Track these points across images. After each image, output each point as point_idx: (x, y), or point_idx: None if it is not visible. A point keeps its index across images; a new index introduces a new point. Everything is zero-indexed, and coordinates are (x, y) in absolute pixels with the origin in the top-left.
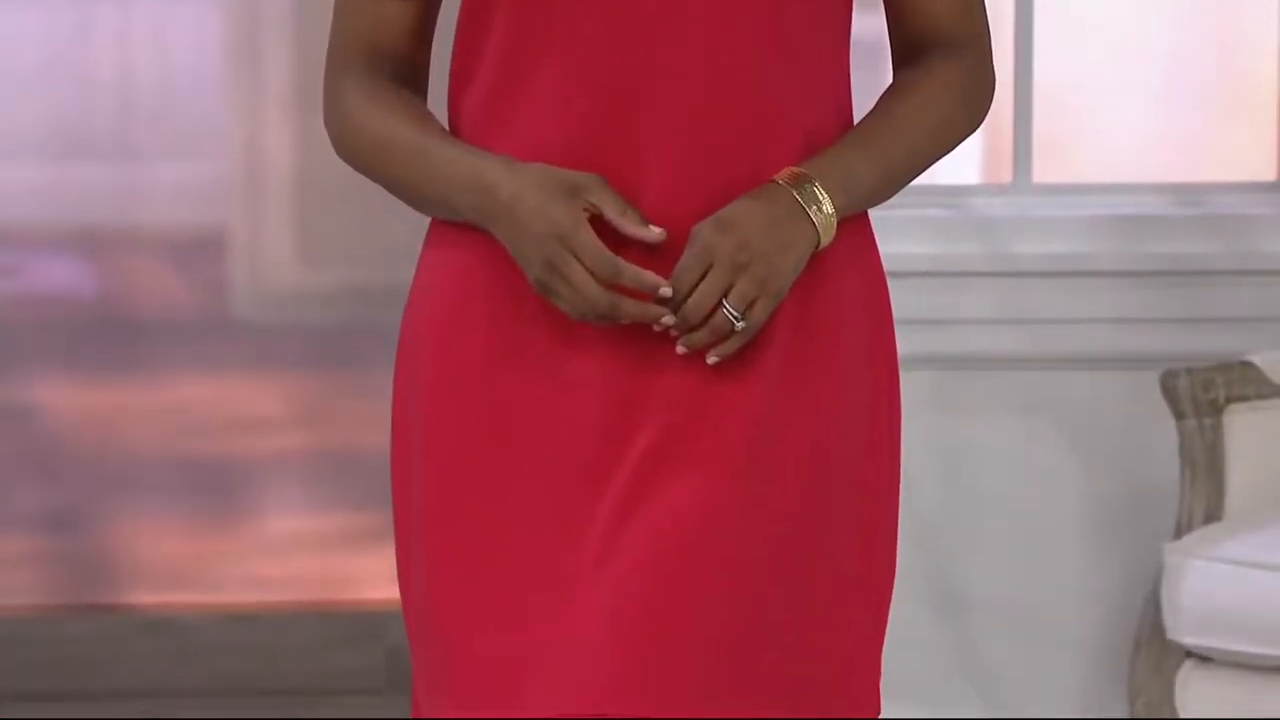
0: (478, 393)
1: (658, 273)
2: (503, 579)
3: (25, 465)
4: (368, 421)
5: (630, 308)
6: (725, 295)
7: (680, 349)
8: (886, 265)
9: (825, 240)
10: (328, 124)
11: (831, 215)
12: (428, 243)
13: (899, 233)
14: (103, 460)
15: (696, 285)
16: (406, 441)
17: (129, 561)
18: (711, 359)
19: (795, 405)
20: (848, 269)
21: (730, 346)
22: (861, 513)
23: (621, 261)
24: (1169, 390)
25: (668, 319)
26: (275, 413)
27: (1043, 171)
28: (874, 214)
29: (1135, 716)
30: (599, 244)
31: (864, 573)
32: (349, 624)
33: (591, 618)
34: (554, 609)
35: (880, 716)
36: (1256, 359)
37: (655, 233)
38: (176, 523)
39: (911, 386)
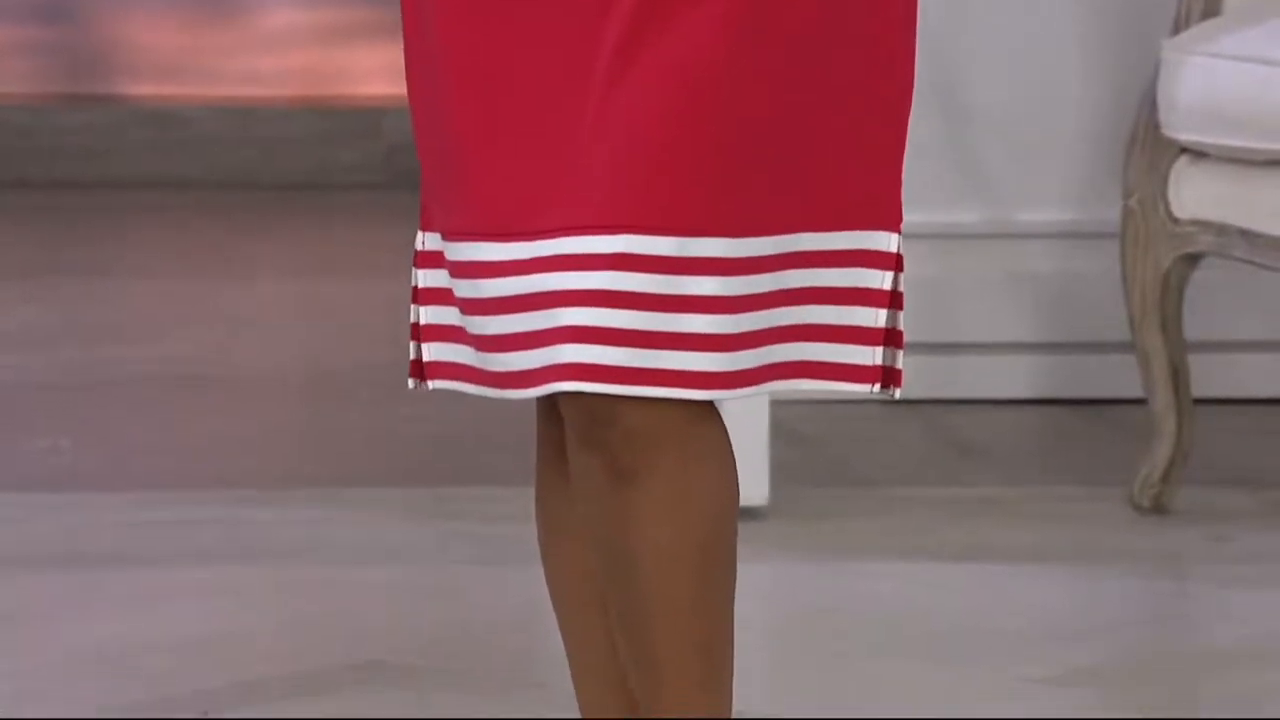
0: None
1: None
2: (518, 103)
3: None
4: None
5: None
6: None
7: None
8: None
9: None
10: None
11: None
12: None
13: None
14: None
15: None
16: None
17: (125, 52)
18: None
19: None
20: None
21: None
22: (877, 27)
23: None
24: None
25: None
26: None
27: None
28: None
29: (1128, 213)
30: None
31: (881, 88)
32: (347, 119)
33: (606, 139)
34: (568, 131)
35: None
36: None
37: None
38: (172, 13)
39: None
